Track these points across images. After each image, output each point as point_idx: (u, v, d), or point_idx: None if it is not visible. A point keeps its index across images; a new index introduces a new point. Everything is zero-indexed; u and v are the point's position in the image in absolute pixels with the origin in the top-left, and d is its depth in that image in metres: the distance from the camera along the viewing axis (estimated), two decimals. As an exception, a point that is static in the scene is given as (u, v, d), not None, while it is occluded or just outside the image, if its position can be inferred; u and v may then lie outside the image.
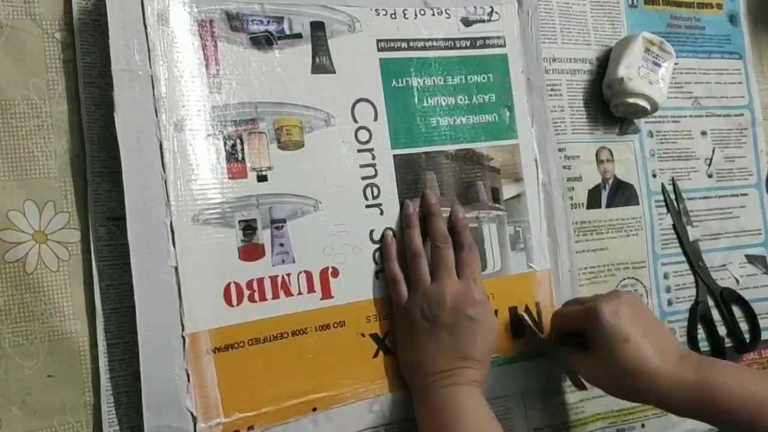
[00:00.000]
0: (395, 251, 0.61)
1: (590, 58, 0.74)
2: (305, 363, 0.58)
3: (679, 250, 0.75)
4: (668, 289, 0.74)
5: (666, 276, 0.74)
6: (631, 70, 0.70)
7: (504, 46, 0.68)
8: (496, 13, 0.68)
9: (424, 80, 0.65)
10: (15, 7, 0.53)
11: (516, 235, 0.67)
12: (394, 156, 0.63)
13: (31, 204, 0.52)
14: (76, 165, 0.54)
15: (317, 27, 0.61)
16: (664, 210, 0.75)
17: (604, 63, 0.73)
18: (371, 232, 0.61)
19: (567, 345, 0.61)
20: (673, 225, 0.75)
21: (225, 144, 0.57)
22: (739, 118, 0.80)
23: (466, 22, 0.67)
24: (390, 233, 0.61)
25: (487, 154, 0.67)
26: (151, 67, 0.54)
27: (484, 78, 0.67)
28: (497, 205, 0.66)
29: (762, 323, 0.77)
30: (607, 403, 0.69)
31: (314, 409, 0.57)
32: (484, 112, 0.67)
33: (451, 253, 0.60)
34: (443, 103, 0.65)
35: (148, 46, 0.54)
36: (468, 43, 0.67)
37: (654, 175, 0.75)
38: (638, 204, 0.74)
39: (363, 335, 0.60)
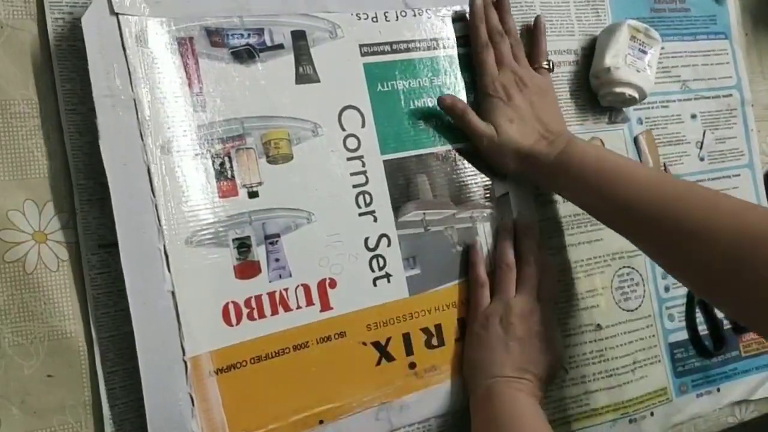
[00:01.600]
0: (482, 258, 0.64)
1: (575, 48, 0.73)
2: (309, 376, 0.57)
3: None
4: (665, 276, 0.73)
5: (662, 263, 0.74)
6: (617, 59, 0.69)
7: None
8: (477, 10, 0.68)
9: (410, 82, 0.64)
10: (15, 7, 0.53)
11: (509, 233, 0.67)
12: (384, 161, 0.62)
13: (31, 204, 0.52)
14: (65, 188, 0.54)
15: (298, 36, 0.60)
16: None
17: (590, 53, 0.72)
18: (366, 239, 0.61)
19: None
20: (668, 210, 0.75)
21: (213, 163, 0.56)
22: (728, 99, 0.80)
23: (444, 22, 0.66)
24: (479, 242, 0.65)
25: (477, 153, 0.66)
26: (133, 91, 0.53)
27: (469, 76, 0.67)
28: (489, 204, 0.66)
29: (759, 302, 0.77)
30: (612, 395, 0.69)
31: (321, 422, 0.57)
32: (471, 111, 0.67)
33: (537, 275, 0.63)
34: (430, 104, 0.65)
35: (128, 69, 0.53)
36: (451, 42, 0.67)
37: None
38: (631, 192, 0.74)
39: (364, 344, 0.60)
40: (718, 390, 0.75)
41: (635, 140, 0.74)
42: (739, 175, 0.80)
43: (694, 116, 0.78)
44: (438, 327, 0.63)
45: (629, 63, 0.69)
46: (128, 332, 0.52)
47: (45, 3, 0.54)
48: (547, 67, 0.68)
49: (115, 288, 0.53)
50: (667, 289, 0.74)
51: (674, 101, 0.77)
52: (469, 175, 0.65)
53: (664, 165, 0.75)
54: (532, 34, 0.69)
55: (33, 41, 0.54)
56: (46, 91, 0.54)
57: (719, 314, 0.76)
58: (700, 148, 0.78)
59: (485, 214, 0.66)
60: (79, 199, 0.53)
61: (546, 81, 0.67)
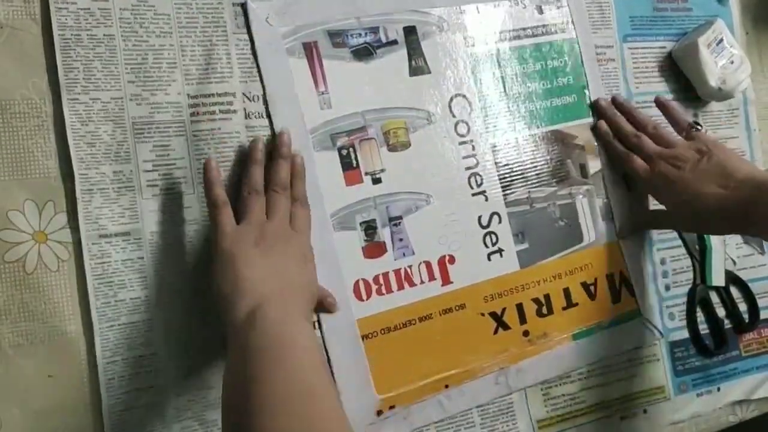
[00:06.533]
0: (218, 178, 0.55)
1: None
2: (434, 345, 0.62)
3: (675, 234, 0.74)
4: (665, 274, 0.73)
5: (663, 261, 0.74)
6: (717, 75, 0.73)
7: (574, 29, 0.72)
8: (564, -3, 0.72)
9: (511, 69, 0.69)
10: (15, 7, 0.53)
11: (605, 207, 0.71)
12: (491, 144, 0.67)
13: (31, 204, 0.53)
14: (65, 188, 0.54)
15: (410, 32, 0.65)
16: None
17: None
18: (479, 218, 0.65)
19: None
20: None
21: (340, 154, 0.61)
22: (730, 99, 0.77)
23: (540, 10, 0.70)
24: (213, 160, 0.55)
25: (572, 133, 0.70)
26: (266, 95, 0.59)
27: (560, 62, 0.71)
28: (586, 180, 0.70)
29: (760, 303, 0.76)
30: (607, 392, 0.69)
31: (446, 386, 0.62)
32: (564, 94, 0.71)
33: (288, 202, 0.57)
34: (528, 90, 0.69)
35: (260, 76, 0.59)
36: (543, 30, 0.70)
37: None
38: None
39: (482, 314, 0.64)
40: (719, 389, 0.74)
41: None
42: None
43: (695, 116, 0.78)
44: (547, 297, 0.67)
45: (724, 66, 0.72)
46: (126, 323, 0.54)
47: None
48: (697, 129, 0.68)
49: (116, 279, 0.54)
50: (668, 287, 0.73)
51: (676, 100, 0.76)
52: (565, 154, 0.70)
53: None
54: (664, 114, 0.71)
55: (33, 41, 0.53)
56: (47, 90, 0.53)
57: (720, 314, 0.75)
58: None
59: (583, 190, 0.70)
60: (80, 188, 0.53)
61: (703, 141, 0.67)
